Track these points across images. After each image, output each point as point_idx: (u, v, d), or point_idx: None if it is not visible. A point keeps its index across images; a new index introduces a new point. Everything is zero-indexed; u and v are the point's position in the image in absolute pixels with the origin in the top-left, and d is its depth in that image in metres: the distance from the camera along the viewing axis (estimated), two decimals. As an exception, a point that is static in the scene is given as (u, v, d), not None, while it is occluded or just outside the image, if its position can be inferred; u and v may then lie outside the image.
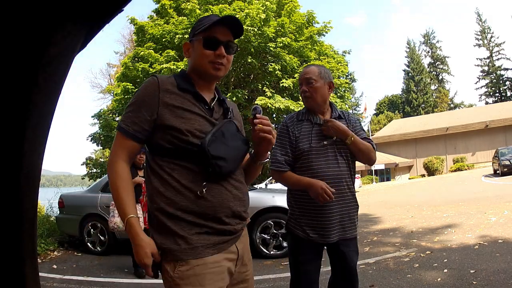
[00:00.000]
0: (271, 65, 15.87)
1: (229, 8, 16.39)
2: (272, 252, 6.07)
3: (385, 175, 36.88)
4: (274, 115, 16.86)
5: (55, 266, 6.34)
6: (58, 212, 8.13)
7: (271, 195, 6.36)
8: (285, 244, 6.04)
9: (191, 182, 1.47)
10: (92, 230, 7.18)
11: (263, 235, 6.08)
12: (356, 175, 20.07)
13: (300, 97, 2.51)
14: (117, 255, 6.82)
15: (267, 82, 16.78)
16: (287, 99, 16.21)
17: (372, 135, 39.45)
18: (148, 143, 1.57)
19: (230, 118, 1.63)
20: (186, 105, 1.52)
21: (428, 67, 63.89)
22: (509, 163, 20.16)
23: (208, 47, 1.57)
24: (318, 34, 19.21)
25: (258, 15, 15.50)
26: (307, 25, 18.54)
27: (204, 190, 1.46)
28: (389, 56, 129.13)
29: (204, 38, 1.57)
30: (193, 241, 1.45)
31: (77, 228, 7.34)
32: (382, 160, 34.94)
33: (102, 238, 7.10)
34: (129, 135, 1.52)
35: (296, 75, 16.45)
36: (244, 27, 14.95)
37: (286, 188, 2.51)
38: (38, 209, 1.23)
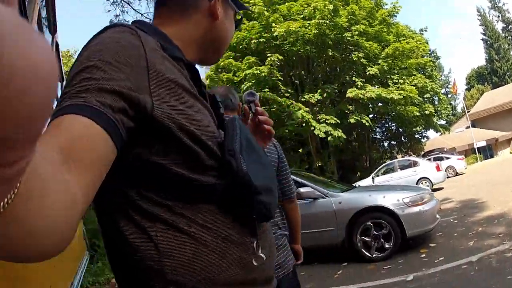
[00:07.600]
0: (354, 54, 15.38)
1: (296, 5, 16.28)
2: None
3: (488, 151, 33.72)
4: (370, 105, 16.19)
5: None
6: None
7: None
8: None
9: (239, 232, 0.77)
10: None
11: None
12: (460, 156, 18.08)
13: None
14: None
15: (354, 73, 16.28)
16: (378, 86, 15.43)
17: (468, 111, 36.49)
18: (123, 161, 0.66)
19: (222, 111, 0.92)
20: (187, 86, 0.75)
21: (502, 32, 58.53)
22: None
23: (235, 27, 1.01)
24: (389, 16, 18.48)
25: (326, 7, 15.21)
26: (376, 8, 17.93)
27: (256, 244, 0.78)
28: (463, 27, 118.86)
29: (240, 17, 1.03)
30: None
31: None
32: (482, 136, 32.33)
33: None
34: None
35: (380, 61, 15.86)
36: (316, 21, 15.12)
37: None
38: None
